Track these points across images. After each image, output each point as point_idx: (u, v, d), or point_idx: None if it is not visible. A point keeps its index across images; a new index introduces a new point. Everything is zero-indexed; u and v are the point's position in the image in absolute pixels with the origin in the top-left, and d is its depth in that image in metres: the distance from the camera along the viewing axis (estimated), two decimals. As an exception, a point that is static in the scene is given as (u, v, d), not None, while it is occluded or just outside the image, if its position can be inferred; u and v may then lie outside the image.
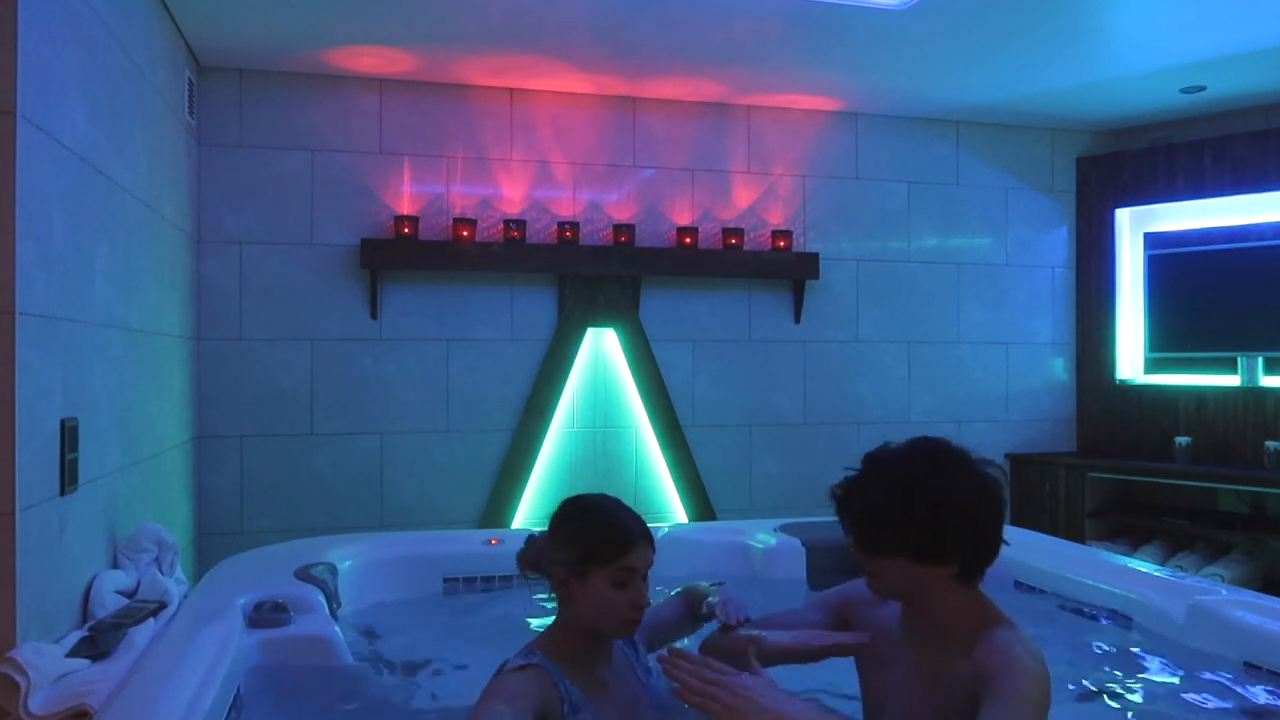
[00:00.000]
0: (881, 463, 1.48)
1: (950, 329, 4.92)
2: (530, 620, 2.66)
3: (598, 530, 1.58)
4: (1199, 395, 4.64)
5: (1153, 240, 4.89)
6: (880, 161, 4.81)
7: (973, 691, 1.33)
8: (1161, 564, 4.15)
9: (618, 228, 4.34)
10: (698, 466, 4.45)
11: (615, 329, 4.41)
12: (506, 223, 4.23)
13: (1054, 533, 4.42)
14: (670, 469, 4.43)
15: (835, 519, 1.51)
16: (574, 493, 1.73)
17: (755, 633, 1.62)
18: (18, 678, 1.77)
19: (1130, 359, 4.98)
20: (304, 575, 2.46)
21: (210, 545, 3.92)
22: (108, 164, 2.55)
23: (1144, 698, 2.08)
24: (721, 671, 1.31)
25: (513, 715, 1.42)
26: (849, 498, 1.48)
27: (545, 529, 1.66)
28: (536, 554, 1.64)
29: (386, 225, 4.17)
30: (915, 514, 1.39)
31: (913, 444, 1.49)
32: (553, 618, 1.64)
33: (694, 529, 3.59)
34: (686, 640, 1.86)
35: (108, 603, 2.27)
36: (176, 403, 3.54)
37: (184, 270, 3.71)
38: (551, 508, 1.72)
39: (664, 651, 1.41)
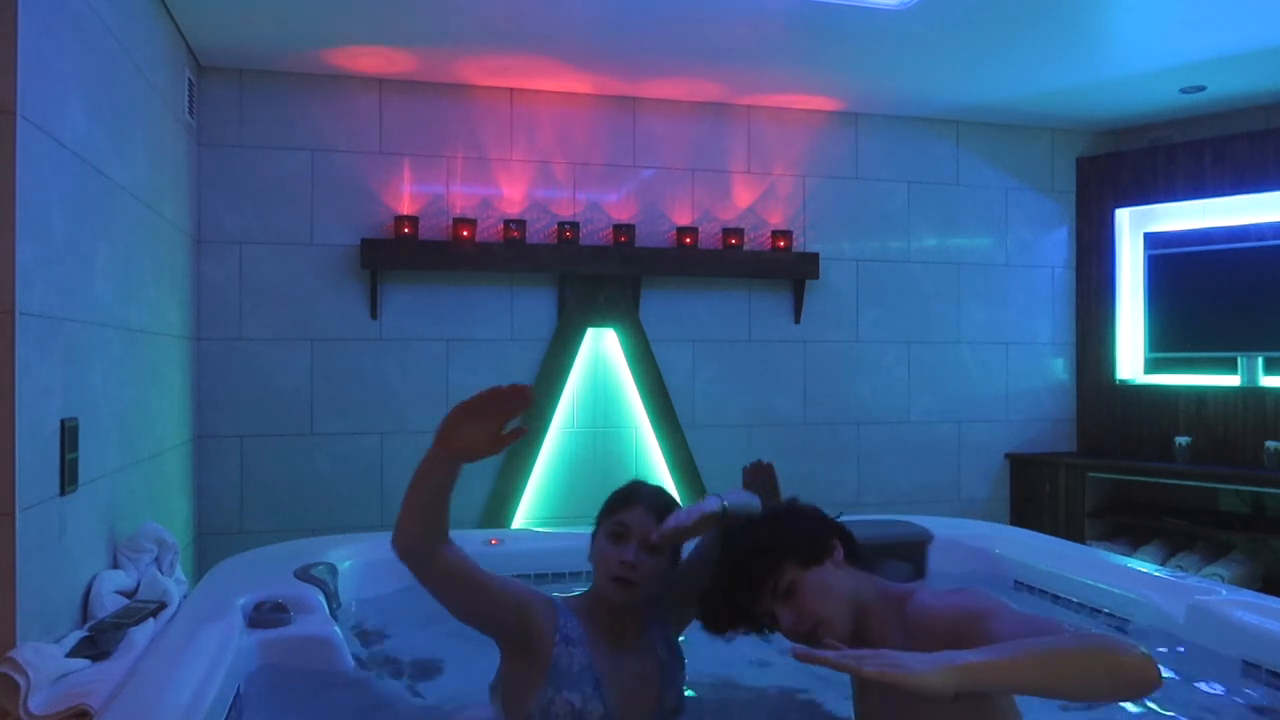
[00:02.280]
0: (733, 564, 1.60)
1: (950, 329, 4.92)
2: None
3: (612, 494, 1.76)
4: (1199, 395, 4.64)
5: (1153, 240, 4.89)
6: (880, 161, 4.80)
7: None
8: (1161, 564, 4.14)
9: (618, 228, 4.34)
10: (698, 466, 4.45)
11: (615, 329, 4.41)
12: (506, 223, 4.23)
13: (1054, 533, 4.42)
14: (670, 469, 4.42)
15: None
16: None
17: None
18: (18, 678, 1.77)
19: (1130, 359, 4.98)
20: (304, 575, 2.46)
21: (210, 545, 3.92)
22: (108, 164, 2.55)
23: (1144, 698, 2.08)
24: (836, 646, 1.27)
25: (514, 584, 1.68)
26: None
27: None
28: None
29: (386, 225, 4.17)
30: (783, 541, 1.56)
31: (726, 547, 1.65)
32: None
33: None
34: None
35: (108, 603, 2.27)
36: (176, 403, 3.54)
37: (184, 270, 3.71)
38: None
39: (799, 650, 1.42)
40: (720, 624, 1.59)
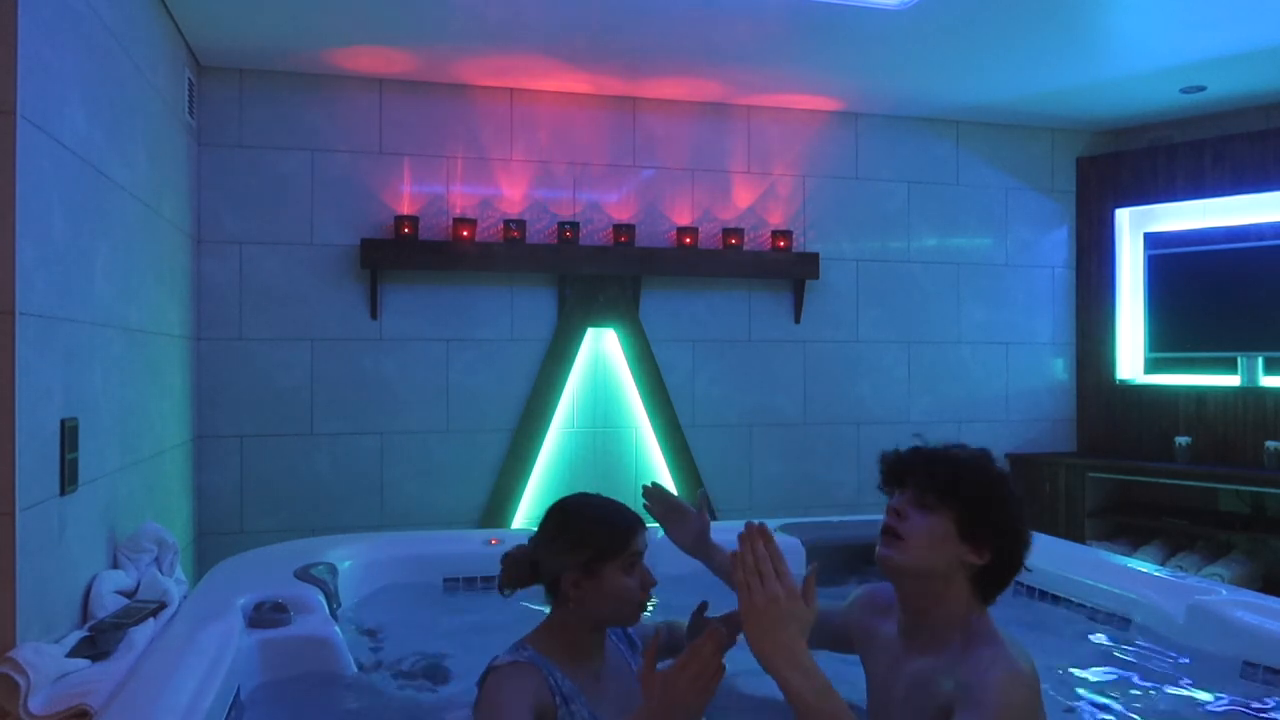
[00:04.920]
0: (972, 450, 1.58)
1: (950, 329, 4.92)
2: (530, 620, 2.66)
3: (600, 526, 1.63)
4: (1199, 395, 4.64)
5: (1153, 240, 4.89)
6: (880, 161, 4.81)
7: (949, 708, 1.32)
8: (1161, 564, 4.14)
9: (618, 228, 4.34)
10: (698, 466, 4.45)
11: (615, 329, 4.41)
12: (506, 223, 4.23)
13: (1054, 533, 4.41)
14: (670, 469, 4.42)
15: (886, 476, 1.55)
16: (575, 493, 1.76)
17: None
18: (18, 678, 1.77)
19: (1130, 359, 4.98)
20: (304, 575, 2.46)
21: (210, 545, 3.92)
22: (108, 164, 2.55)
23: (1144, 698, 2.08)
24: (778, 571, 1.27)
25: (514, 713, 1.45)
26: (934, 448, 1.55)
27: (526, 543, 1.69)
28: (530, 566, 1.65)
29: (386, 225, 4.17)
30: (982, 480, 1.49)
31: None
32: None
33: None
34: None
35: (108, 603, 2.27)
36: (176, 403, 3.54)
37: (184, 270, 3.71)
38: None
39: (755, 522, 1.36)
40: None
